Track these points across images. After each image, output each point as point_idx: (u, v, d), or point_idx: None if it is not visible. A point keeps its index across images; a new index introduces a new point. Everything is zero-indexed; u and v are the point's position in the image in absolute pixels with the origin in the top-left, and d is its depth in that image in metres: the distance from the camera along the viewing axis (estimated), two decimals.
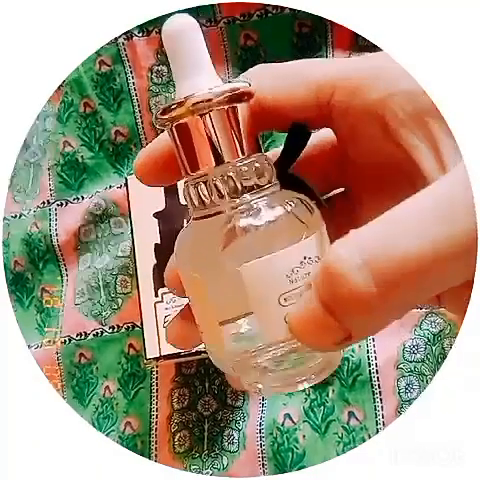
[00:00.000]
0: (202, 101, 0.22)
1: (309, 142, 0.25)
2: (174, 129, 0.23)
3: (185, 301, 0.29)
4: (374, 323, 0.21)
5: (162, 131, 0.26)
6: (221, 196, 0.23)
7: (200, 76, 0.23)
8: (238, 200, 0.23)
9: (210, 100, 0.22)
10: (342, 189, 0.29)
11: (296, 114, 0.24)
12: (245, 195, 0.23)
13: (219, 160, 0.23)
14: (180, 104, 0.23)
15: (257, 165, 0.23)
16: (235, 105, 0.23)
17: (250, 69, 0.25)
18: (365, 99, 0.23)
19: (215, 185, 0.23)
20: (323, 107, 0.24)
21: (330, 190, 0.28)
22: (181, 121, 0.23)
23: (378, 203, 0.23)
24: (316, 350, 0.23)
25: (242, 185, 0.23)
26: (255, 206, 0.23)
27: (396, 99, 0.22)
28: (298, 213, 0.23)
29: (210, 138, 0.23)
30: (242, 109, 0.23)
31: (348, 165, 0.27)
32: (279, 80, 0.24)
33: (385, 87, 0.22)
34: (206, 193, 0.23)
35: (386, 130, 0.23)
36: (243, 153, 0.23)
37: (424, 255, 0.19)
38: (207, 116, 0.23)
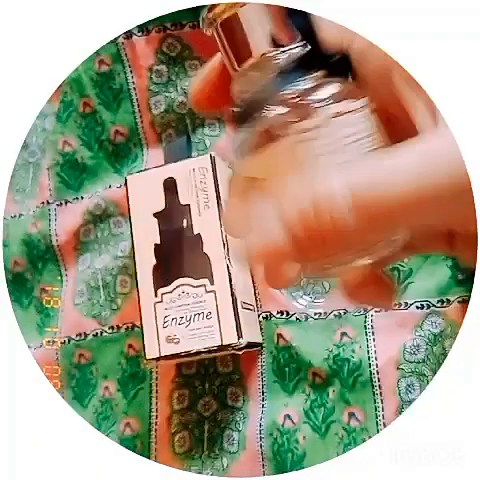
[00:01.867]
0: None
1: None
2: (220, 28, 0.24)
3: (185, 304, 0.29)
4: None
5: (161, 132, 0.26)
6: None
7: None
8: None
9: None
10: None
11: None
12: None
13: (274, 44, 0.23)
14: None
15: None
16: None
17: None
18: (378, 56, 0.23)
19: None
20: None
21: None
22: (226, 15, 0.23)
23: None
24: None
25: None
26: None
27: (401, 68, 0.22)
28: None
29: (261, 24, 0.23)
30: None
31: None
32: None
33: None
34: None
35: (391, 83, 0.23)
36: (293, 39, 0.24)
37: (407, 193, 0.19)
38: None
